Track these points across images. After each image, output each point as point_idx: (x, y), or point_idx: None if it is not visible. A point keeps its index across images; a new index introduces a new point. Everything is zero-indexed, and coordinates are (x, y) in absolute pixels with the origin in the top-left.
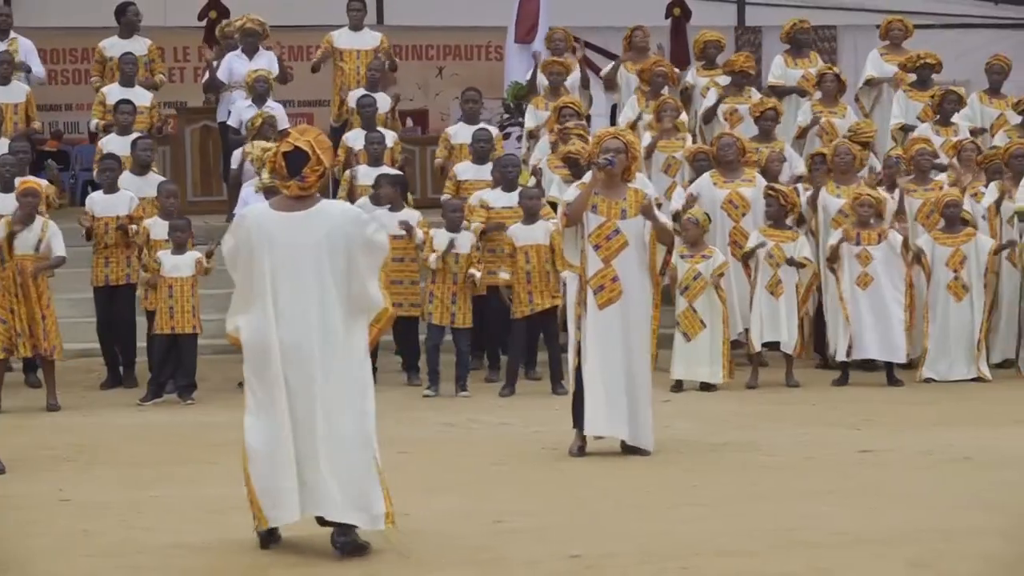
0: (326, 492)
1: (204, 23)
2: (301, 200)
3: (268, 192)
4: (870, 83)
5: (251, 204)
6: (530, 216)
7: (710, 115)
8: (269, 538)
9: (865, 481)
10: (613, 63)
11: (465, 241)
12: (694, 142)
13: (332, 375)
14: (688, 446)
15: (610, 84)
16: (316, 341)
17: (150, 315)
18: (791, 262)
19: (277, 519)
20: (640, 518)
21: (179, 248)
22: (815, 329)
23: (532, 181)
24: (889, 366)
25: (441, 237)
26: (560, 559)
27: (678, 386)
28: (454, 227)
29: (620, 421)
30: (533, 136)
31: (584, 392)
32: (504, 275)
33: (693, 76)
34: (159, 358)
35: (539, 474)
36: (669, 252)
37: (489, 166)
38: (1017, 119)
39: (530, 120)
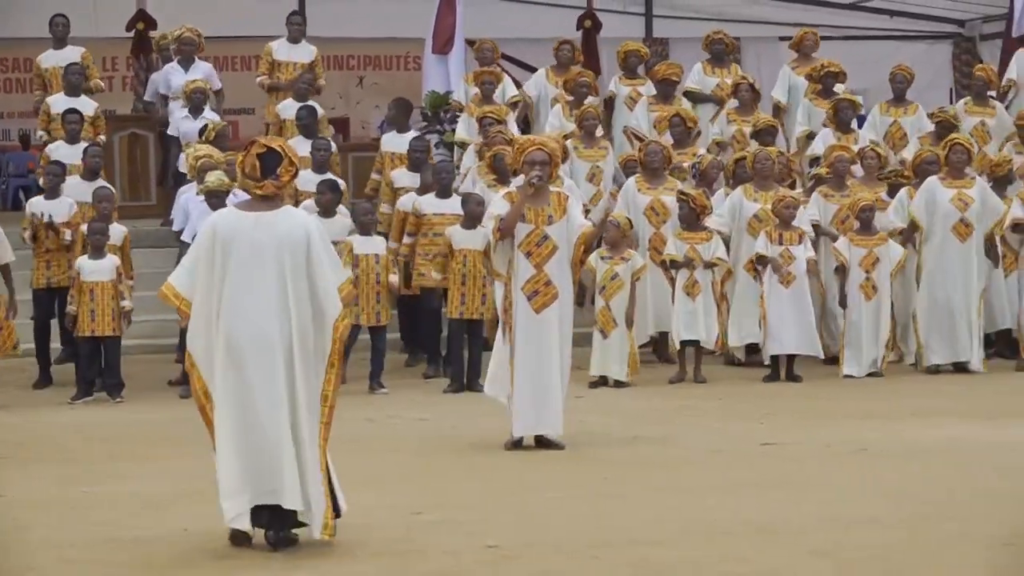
0: (285, 484)
1: (132, 34)
2: (267, 202)
3: (210, 196)
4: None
5: (189, 209)
6: (471, 221)
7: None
8: (241, 536)
9: (769, 473)
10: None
11: (380, 243)
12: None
13: (296, 373)
14: (601, 440)
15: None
16: (281, 339)
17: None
18: (707, 264)
19: (231, 511)
20: (555, 509)
21: (97, 252)
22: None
23: (468, 185)
24: (789, 362)
25: (359, 241)
26: (478, 549)
27: (599, 382)
28: (366, 230)
29: (552, 419)
30: (464, 145)
31: (518, 393)
32: (435, 275)
33: (616, 85)
34: (85, 359)
35: (458, 468)
36: (587, 252)
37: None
38: (930, 126)
39: (462, 129)
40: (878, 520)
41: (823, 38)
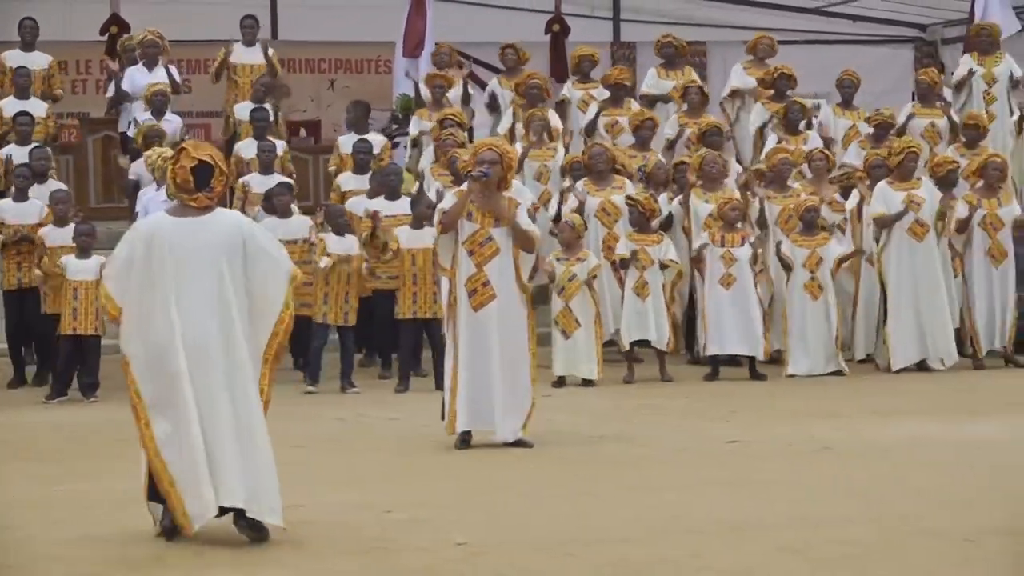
0: (230, 484)
1: (105, 37)
2: (199, 208)
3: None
4: (733, 95)
5: (150, 209)
6: (419, 221)
7: (591, 128)
8: (173, 530)
9: (736, 471)
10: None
11: (354, 243)
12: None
13: (234, 373)
14: (569, 439)
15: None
16: (217, 341)
17: (56, 317)
18: (661, 265)
19: (199, 517)
20: (525, 507)
21: (83, 252)
22: (687, 327)
23: (417, 186)
24: (752, 361)
25: (333, 240)
26: (448, 547)
27: (560, 382)
28: (340, 231)
29: (487, 416)
30: (416, 144)
31: (460, 388)
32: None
33: (569, 89)
34: (65, 358)
35: (428, 466)
36: (538, 256)
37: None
38: (870, 130)
39: (413, 128)
40: (847, 518)
41: (787, 42)
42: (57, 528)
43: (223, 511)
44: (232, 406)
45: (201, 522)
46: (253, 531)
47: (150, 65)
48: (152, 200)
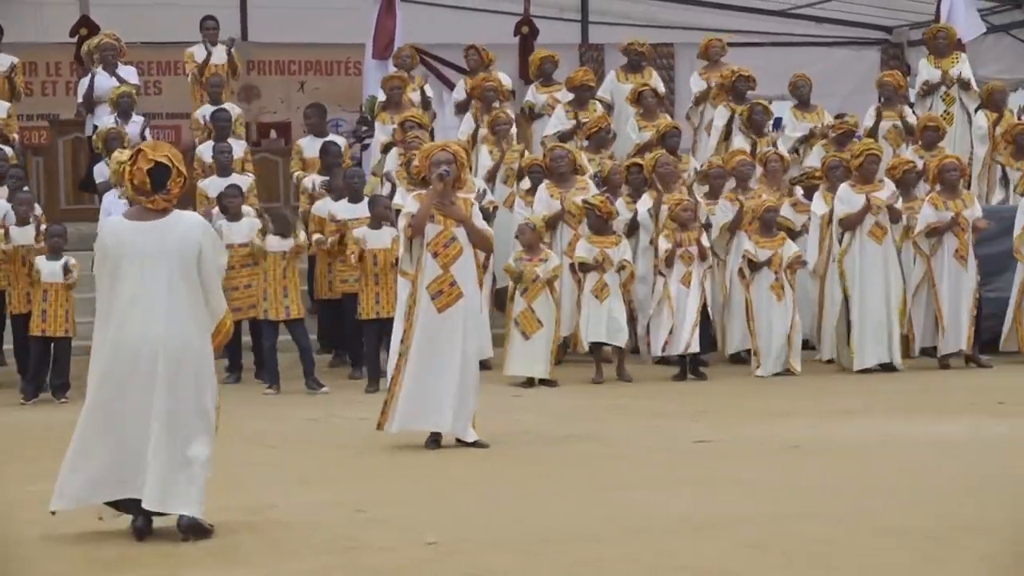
0: (154, 483)
1: (75, 40)
2: (157, 210)
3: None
4: (697, 102)
5: (113, 211)
6: (377, 221)
7: (567, 136)
8: (144, 530)
9: (702, 470)
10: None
11: (288, 242)
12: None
13: (186, 373)
14: (535, 438)
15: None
16: (164, 343)
17: (15, 319)
18: (619, 267)
19: (61, 498)
20: (493, 507)
21: (55, 253)
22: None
23: (387, 188)
24: (695, 359)
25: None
26: (418, 546)
27: (529, 382)
28: (284, 233)
29: (441, 415)
30: (387, 149)
31: (405, 388)
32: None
33: (533, 94)
34: (36, 359)
35: (399, 466)
36: (487, 257)
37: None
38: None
39: (380, 134)
40: (814, 515)
41: (754, 44)
42: (29, 528)
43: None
44: (167, 409)
45: (59, 504)
46: (187, 524)
47: (110, 68)
48: (114, 203)
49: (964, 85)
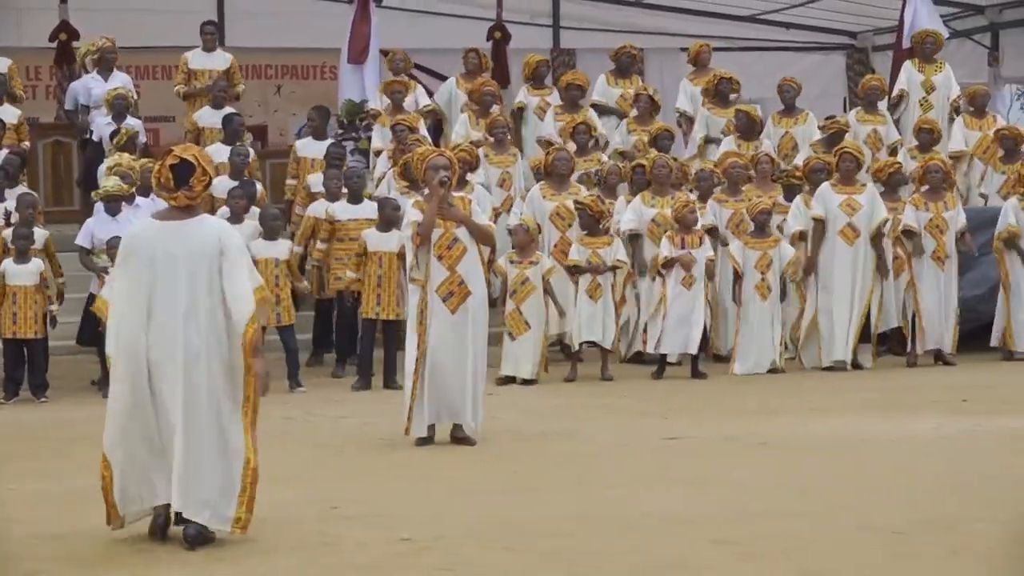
0: (179, 487)
1: (55, 44)
2: (184, 211)
3: (107, 200)
4: (687, 117)
5: (100, 215)
6: (386, 224)
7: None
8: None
9: (673, 466)
10: None
11: (284, 248)
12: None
13: (204, 377)
14: (512, 436)
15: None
16: (189, 347)
17: None
18: (612, 267)
19: (128, 516)
20: (468, 503)
21: (21, 256)
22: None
23: (383, 191)
24: (694, 360)
25: (262, 245)
26: (392, 542)
27: (507, 380)
28: (272, 235)
29: (463, 411)
30: (379, 154)
31: (428, 392)
32: (350, 274)
33: (525, 96)
34: (11, 361)
35: (374, 463)
36: (492, 251)
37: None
38: (819, 133)
39: (377, 138)
40: (782, 511)
41: (723, 50)
42: (8, 527)
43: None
44: (195, 410)
45: (130, 517)
46: (195, 541)
47: (105, 73)
48: (99, 205)
49: (948, 90)
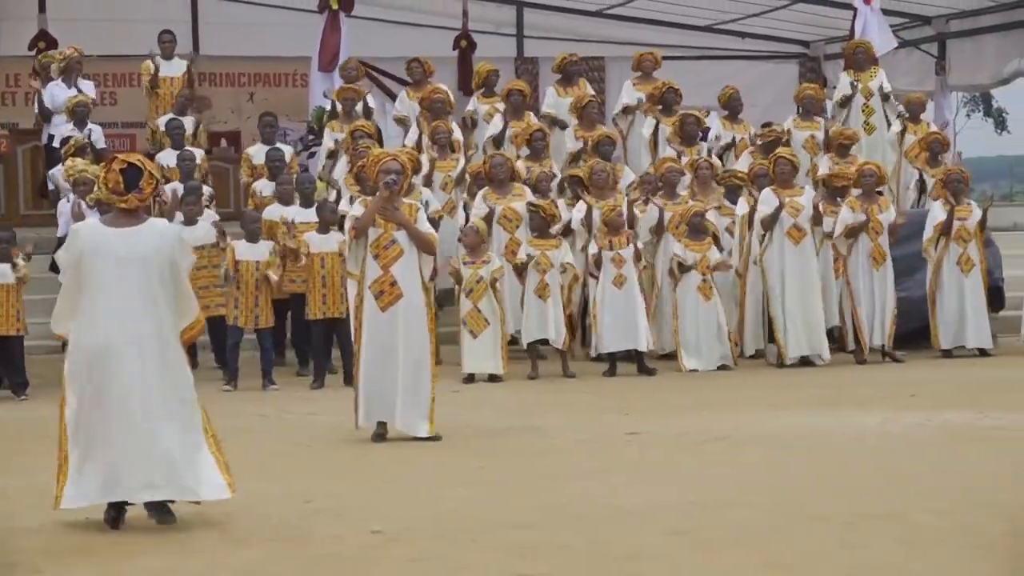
0: (144, 477)
1: (34, 52)
2: (131, 216)
3: (100, 204)
4: (625, 111)
5: (66, 215)
6: (325, 226)
7: (500, 140)
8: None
9: (632, 460)
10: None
11: (264, 249)
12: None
13: (154, 373)
14: (476, 432)
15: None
16: (140, 344)
17: None
18: (562, 269)
19: (71, 503)
20: (435, 497)
21: (1, 257)
22: (582, 325)
23: (334, 195)
24: (640, 357)
25: (243, 247)
26: (362, 534)
27: (470, 378)
28: (253, 237)
29: (389, 410)
30: (332, 156)
31: (362, 385)
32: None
33: (475, 103)
34: None
35: (345, 458)
36: (436, 259)
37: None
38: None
39: (328, 141)
40: (737, 503)
41: (680, 58)
42: None
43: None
44: (148, 406)
45: (71, 505)
46: (160, 514)
47: (69, 80)
48: (65, 208)
49: (885, 97)
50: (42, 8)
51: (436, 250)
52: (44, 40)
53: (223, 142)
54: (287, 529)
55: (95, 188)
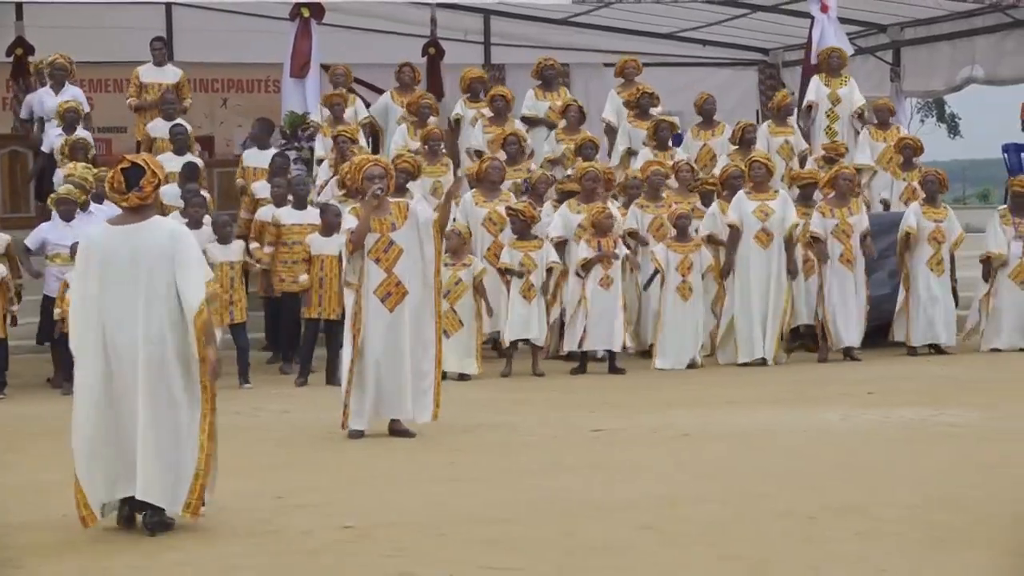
0: (142, 476)
1: (11, 59)
2: (137, 213)
3: (60, 204)
4: (607, 131)
5: (54, 220)
6: (329, 230)
7: (482, 149)
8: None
9: (601, 456)
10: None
11: (237, 250)
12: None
13: (160, 373)
14: (449, 429)
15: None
16: (148, 344)
17: None
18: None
19: (98, 511)
20: (407, 492)
21: None
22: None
23: (326, 196)
24: (612, 357)
25: (218, 250)
26: (335, 530)
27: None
28: (225, 240)
29: (402, 404)
30: (321, 162)
31: (367, 389)
32: (303, 277)
33: (462, 108)
34: None
35: (319, 455)
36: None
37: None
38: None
39: (320, 148)
40: (703, 497)
41: (644, 64)
42: None
43: (133, 502)
44: (155, 400)
45: (99, 511)
46: (153, 523)
47: (57, 87)
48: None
49: (860, 114)
50: (19, 15)
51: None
52: (21, 46)
53: (197, 147)
54: (261, 525)
55: (88, 193)
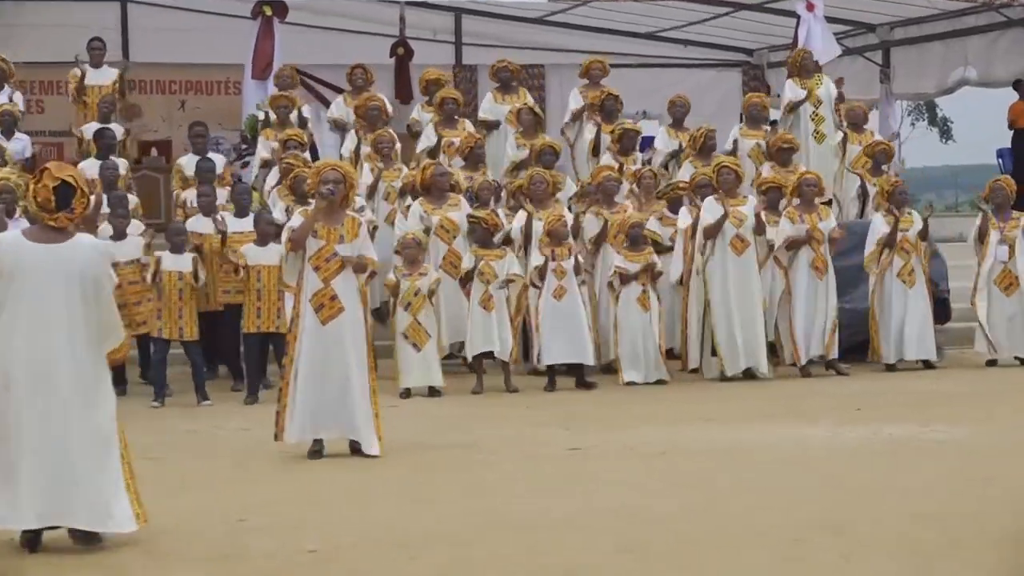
0: (67, 503)
1: None
2: (57, 232)
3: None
4: (574, 118)
5: None
6: (264, 239)
7: (435, 151)
8: (35, 540)
9: (575, 473)
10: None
11: (188, 260)
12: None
13: (73, 395)
14: (415, 446)
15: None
16: (60, 364)
17: None
18: (503, 283)
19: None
20: (373, 512)
21: None
22: (523, 339)
23: (274, 199)
24: (580, 371)
25: (169, 259)
26: (298, 553)
27: (407, 393)
28: (178, 249)
29: (334, 424)
30: (267, 165)
31: (298, 400)
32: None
33: (419, 112)
34: None
35: (280, 475)
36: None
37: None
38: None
39: (263, 150)
40: (682, 516)
41: (623, 65)
42: None
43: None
44: (75, 424)
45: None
46: (84, 540)
47: None
48: None
49: (840, 98)
50: None
51: (375, 268)
52: None
53: (153, 151)
54: (221, 547)
55: (20, 199)
